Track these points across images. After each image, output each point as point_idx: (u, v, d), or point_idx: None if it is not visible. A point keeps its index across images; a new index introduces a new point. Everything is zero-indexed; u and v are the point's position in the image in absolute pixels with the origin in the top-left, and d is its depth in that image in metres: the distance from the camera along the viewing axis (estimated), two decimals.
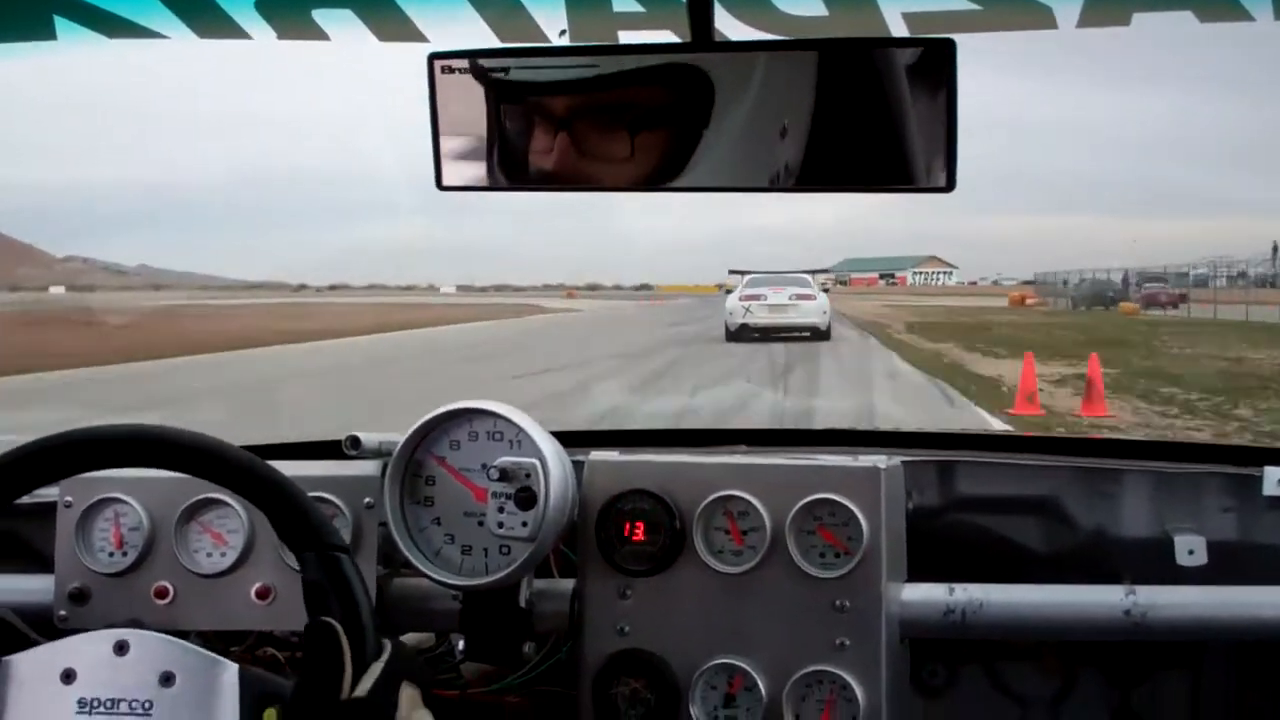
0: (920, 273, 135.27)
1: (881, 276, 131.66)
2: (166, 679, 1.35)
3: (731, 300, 26.40)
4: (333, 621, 1.33)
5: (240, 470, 1.42)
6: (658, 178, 1.52)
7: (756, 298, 25.53)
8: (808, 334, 24.80)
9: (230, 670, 1.34)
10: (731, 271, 28.18)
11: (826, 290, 27.48)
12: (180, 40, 1.70)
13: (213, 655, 1.37)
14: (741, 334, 24.91)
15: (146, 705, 1.34)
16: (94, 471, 1.48)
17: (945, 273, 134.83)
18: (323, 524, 1.42)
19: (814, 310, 25.56)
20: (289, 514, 1.42)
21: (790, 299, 25.44)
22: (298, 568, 1.40)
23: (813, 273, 27.11)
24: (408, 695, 1.35)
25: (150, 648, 1.37)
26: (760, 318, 25.18)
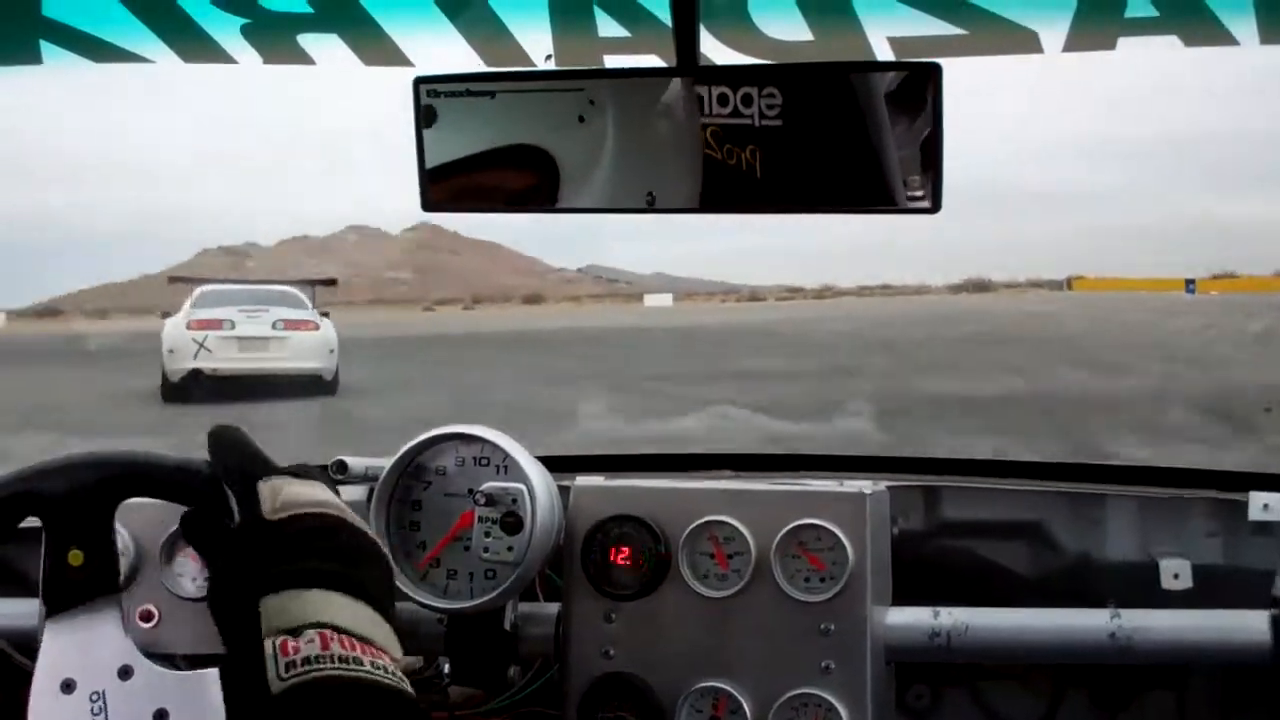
0: None
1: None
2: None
3: (173, 330, 15.91)
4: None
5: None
6: (639, 198, 1.53)
7: (216, 325, 15.58)
8: (305, 385, 15.14)
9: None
10: (174, 279, 17.80)
11: (327, 315, 17.01)
12: (166, 64, 1.71)
13: None
14: (188, 388, 15.02)
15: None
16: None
17: None
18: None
19: (312, 348, 15.72)
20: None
21: (275, 328, 15.71)
22: None
23: (312, 284, 16.99)
24: (268, 487, 1.28)
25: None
26: (225, 360, 15.29)
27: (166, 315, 17.07)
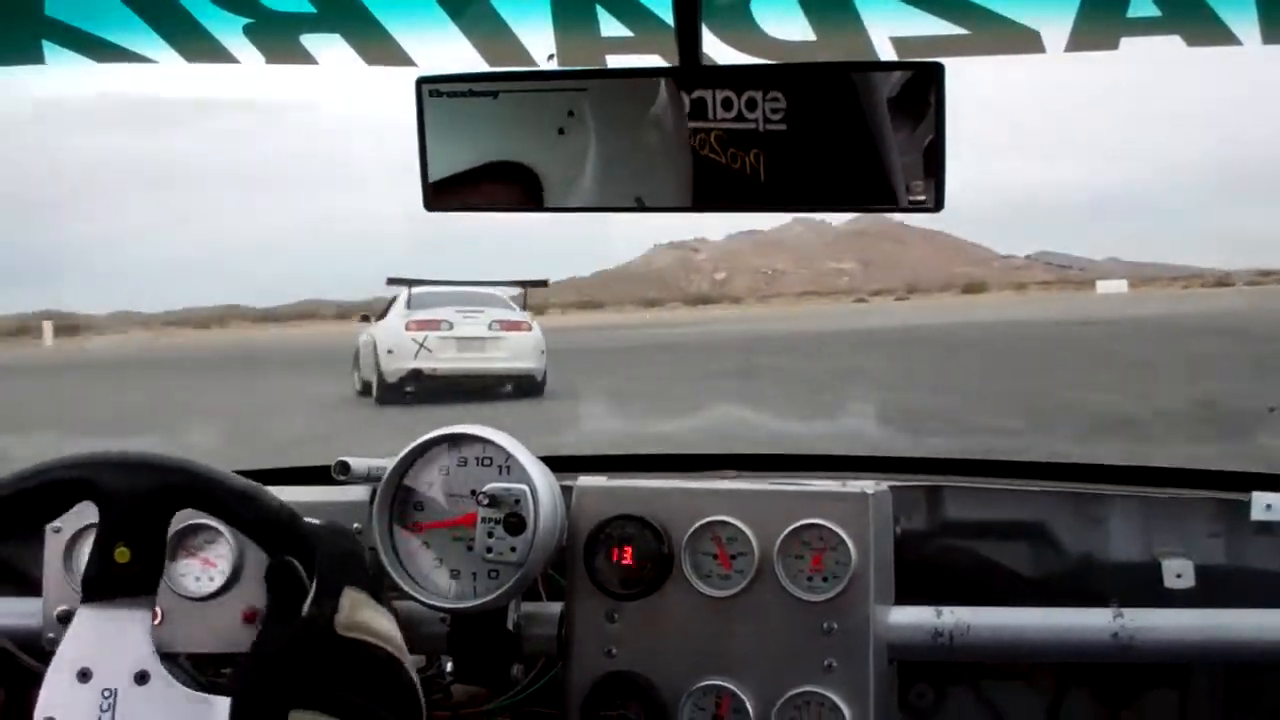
0: None
1: None
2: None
3: (390, 329, 15.55)
4: (290, 560, 1.31)
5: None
6: (641, 197, 1.53)
7: (435, 325, 15.23)
8: (509, 387, 15.04)
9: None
10: (392, 280, 16.63)
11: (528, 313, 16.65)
12: (168, 64, 1.71)
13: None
14: (403, 389, 14.74)
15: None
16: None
17: None
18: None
19: (527, 348, 15.39)
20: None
21: (491, 329, 15.47)
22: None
23: (523, 284, 16.50)
24: (350, 599, 1.31)
25: None
26: (445, 360, 14.95)
27: (365, 319, 17.01)
